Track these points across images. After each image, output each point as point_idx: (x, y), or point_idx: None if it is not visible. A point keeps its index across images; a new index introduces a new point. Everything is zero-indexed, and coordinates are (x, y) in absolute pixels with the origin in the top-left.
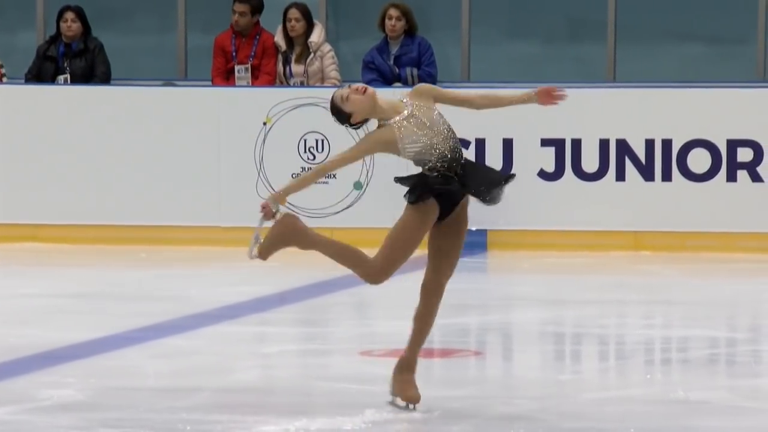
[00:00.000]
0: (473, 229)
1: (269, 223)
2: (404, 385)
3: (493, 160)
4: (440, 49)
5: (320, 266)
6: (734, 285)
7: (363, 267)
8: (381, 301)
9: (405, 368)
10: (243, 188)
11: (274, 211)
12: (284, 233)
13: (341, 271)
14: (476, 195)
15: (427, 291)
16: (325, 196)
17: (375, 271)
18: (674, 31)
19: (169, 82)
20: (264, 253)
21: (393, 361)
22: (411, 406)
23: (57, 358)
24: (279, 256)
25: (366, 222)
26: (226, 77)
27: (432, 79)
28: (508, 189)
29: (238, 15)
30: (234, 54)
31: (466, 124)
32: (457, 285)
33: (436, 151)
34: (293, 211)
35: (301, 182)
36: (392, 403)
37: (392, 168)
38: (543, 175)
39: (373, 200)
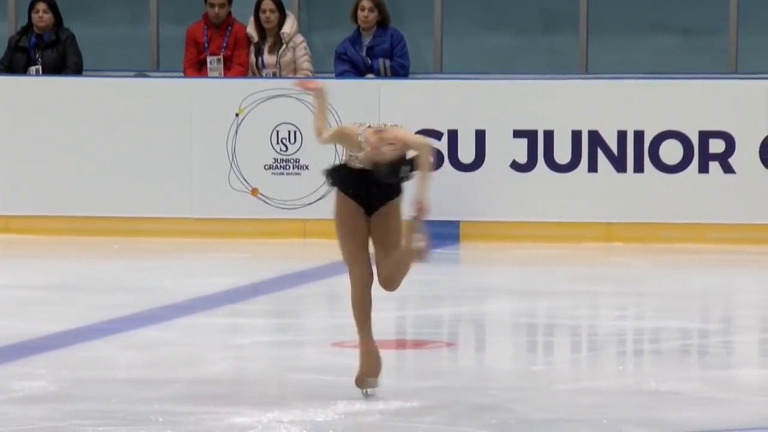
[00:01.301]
0: (445, 220)
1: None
2: None
3: (466, 151)
4: (413, 40)
5: (292, 258)
6: (706, 276)
7: None
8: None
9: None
10: (215, 179)
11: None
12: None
13: (313, 262)
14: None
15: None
16: (299, 187)
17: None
18: (646, 22)
19: (141, 73)
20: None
21: None
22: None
23: (29, 350)
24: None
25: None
26: (198, 68)
27: (405, 70)
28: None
29: (218, 7)
30: (206, 45)
31: (438, 115)
32: (430, 276)
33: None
34: (267, 202)
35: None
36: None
37: None
38: (515, 166)
39: None
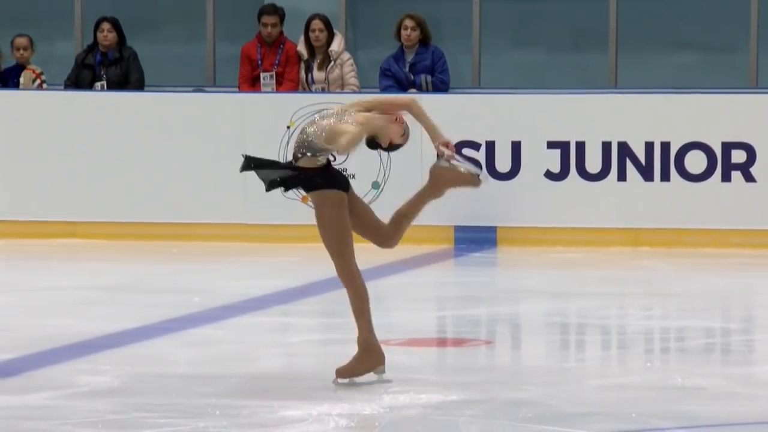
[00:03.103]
0: (483, 225)
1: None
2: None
3: (503, 161)
4: (452, 57)
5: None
6: (728, 279)
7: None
8: (397, 293)
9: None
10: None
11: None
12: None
13: (359, 266)
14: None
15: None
16: None
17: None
18: (670, 40)
19: (198, 89)
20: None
21: (409, 350)
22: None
23: (93, 347)
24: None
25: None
26: (252, 84)
27: (445, 85)
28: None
29: (270, 27)
30: (260, 62)
31: (477, 127)
32: (469, 279)
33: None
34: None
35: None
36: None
37: (410, 168)
38: (549, 175)
39: (390, 200)
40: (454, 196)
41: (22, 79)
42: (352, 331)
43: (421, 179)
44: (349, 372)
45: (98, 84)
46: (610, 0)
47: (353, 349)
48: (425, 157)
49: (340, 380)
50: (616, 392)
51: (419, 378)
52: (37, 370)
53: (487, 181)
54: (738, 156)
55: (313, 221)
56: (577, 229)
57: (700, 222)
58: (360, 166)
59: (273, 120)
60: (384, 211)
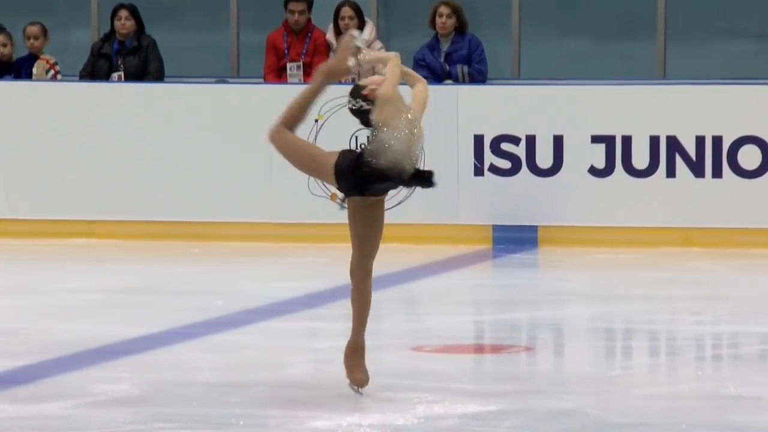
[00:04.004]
0: (523, 224)
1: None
2: (352, 368)
3: (544, 156)
4: (490, 46)
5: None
6: None
7: None
8: (431, 296)
9: (353, 352)
10: (294, 184)
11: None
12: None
13: (391, 267)
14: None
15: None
16: None
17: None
18: (722, 27)
19: (221, 79)
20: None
21: (444, 357)
22: (359, 389)
23: (111, 353)
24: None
25: (417, 217)
26: (278, 75)
27: (482, 76)
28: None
29: (298, 14)
30: (286, 51)
31: (516, 121)
32: (508, 281)
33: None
34: (345, 207)
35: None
36: (350, 386)
37: (446, 165)
38: (593, 171)
39: (423, 199)
40: (493, 193)
41: (35, 70)
42: (386, 336)
43: (458, 178)
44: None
45: (115, 75)
46: None
47: (386, 356)
48: (461, 155)
49: (361, 390)
50: (665, 402)
51: (455, 387)
52: (51, 377)
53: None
54: None
55: (344, 220)
56: (624, 229)
57: (755, 221)
58: None
59: None
60: (418, 207)
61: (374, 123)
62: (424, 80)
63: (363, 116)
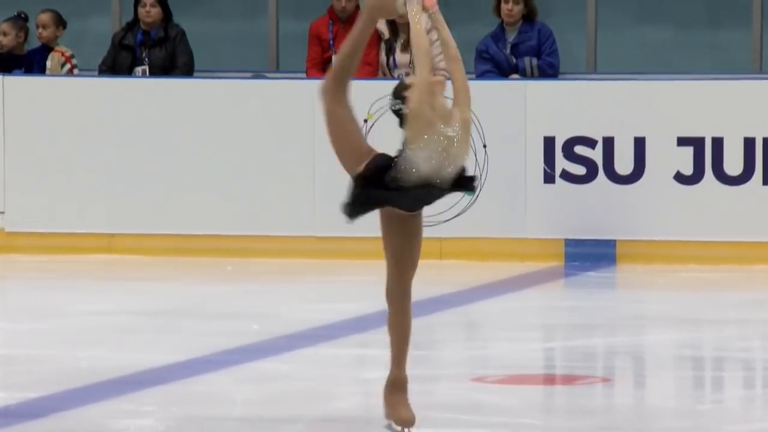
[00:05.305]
0: (599, 238)
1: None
2: (395, 405)
3: (624, 161)
4: (563, 36)
5: (426, 281)
6: None
7: None
8: (494, 320)
9: (395, 387)
10: (340, 194)
11: None
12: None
13: (450, 287)
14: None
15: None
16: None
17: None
18: None
19: (258, 74)
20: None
21: (510, 389)
22: (406, 429)
23: (134, 384)
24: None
25: (479, 231)
26: (322, 68)
27: (554, 69)
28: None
29: (344, 0)
30: (331, 42)
31: (592, 121)
32: (582, 302)
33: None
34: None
35: None
36: (388, 428)
37: (513, 170)
38: (679, 178)
39: (488, 209)
40: (565, 203)
41: (49, 63)
42: (444, 365)
43: (525, 186)
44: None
45: (139, 69)
46: None
47: (443, 387)
48: (530, 160)
49: (409, 430)
50: None
51: (521, 422)
52: (68, 410)
53: None
54: None
55: None
56: (714, 243)
57: None
58: None
59: None
60: (479, 219)
61: (403, 139)
62: (459, 55)
63: (403, 119)
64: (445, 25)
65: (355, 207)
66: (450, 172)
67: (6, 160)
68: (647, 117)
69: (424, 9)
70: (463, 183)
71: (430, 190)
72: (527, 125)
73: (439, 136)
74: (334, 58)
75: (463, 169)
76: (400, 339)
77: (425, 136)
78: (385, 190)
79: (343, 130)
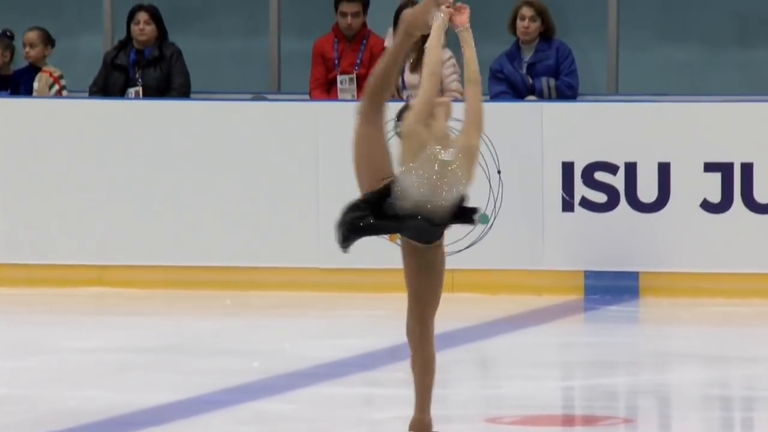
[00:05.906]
0: (621, 270)
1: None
2: None
3: (647, 188)
4: (582, 55)
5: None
6: None
7: None
8: (510, 357)
9: (417, 431)
10: None
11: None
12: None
13: (462, 321)
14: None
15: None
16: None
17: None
18: None
19: (259, 95)
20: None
21: (527, 430)
22: None
23: (126, 425)
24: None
25: (493, 262)
26: (327, 89)
27: (572, 91)
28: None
29: (351, 16)
30: (336, 62)
31: (613, 145)
32: (603, 338)
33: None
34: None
35: None
36: None
37: (528, 196)
38: (706, 206)
39: (502, 237)
40: (585, 233)
41: (36, 84)
42: (457, 404)
43: (543, 215)
44: None
45: (132, 90)
46: None
47: (456, 428)
48: (547, 187)
49: None
50: None
51: None
52: None
53: None
54: None
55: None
56: (742, 275)
57: None
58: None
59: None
60: (493, 250)
61: (398, 160)
62: (479, 76)
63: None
64: (472, 46)
65: (343, 231)
66: (445, 200)
67: None
68: (672, 141)
69: (455, 26)
70: (463, 215)
71: (426, 221)
72: (544, 150)
73: (433, 159)
74: (339, 79)
75: (462, 199)
76: (422, 380)
77: (418, 157)
78: (378, 217)
79: (367, 151)
